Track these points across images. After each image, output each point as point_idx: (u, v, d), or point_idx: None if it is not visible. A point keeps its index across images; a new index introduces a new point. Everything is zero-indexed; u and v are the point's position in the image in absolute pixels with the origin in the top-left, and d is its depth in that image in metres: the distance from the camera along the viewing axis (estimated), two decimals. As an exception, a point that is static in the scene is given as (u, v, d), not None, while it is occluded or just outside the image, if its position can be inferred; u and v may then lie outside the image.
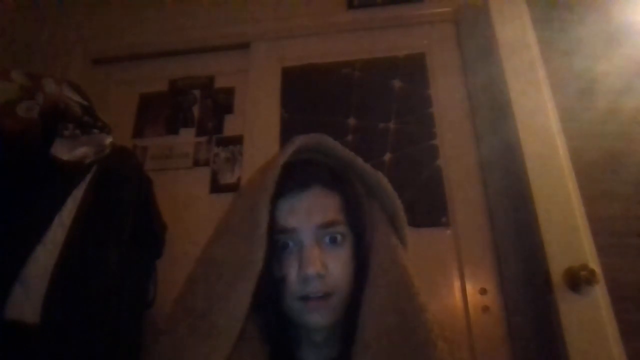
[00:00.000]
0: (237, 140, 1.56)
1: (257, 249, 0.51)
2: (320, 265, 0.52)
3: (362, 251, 0.58)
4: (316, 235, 0.54)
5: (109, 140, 1.10)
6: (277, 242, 0.54)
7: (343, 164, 0.63)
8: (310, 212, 0.55)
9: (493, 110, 1.36)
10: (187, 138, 1.61)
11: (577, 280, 0.95)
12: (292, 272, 0.53)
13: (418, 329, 0.52)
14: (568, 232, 1.03)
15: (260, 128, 1.53)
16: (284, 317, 0.55)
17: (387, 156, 1.45)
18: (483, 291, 1.24)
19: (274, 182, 0.54)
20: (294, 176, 0.57)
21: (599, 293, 0.97)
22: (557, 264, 0.99)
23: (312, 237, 0.54)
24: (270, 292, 0.53)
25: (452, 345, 0.54)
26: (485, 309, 1.22)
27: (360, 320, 0.53)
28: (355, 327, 0.53)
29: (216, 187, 1.52)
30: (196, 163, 1.56)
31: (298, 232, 0.54)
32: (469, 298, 1.24)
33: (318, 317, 0.54)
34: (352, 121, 1.52)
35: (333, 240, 0.55)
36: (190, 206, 1.48)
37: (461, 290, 1.25)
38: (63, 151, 1.00)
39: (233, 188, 1.49)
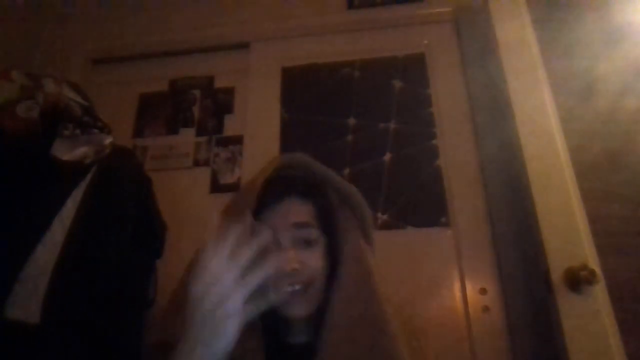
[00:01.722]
0: (237, 140, 1.56)
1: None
2: (296, 262, 0.60)
3: (333, 252, 0.65)
4: (292, 235, 0.62)
5: (109, 140, 1.10)
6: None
7: (317, 177, 0.72)
8: (286, 214, 0.63)
9: (493, 110, 1.36)
10: (187, 138, 1.61)
11: (577, 280, 0.95)
12: (274, 269, 0.58)
13: (377, 319, 0.60)
14: (568, 232, 1.03)
15: (260, 128, 1.53)
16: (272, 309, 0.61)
17: (387, 156, 1.45)
18: (483, 291, 1.24)
19: (256, 196, 0.63)
20: (274, 190, 0.65)
21: (599, 293, 0.97)
22: (557, 264, 0.99)
23: (288, 237, 0.62)
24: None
25: (411, 334, 0.63)
26: (485, 309, 1.22)
27: (330, 307, 0.61)
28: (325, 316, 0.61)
29: (216, 187, 1.52)
30: (196, 163, 1.56)
31: (276, 231, 0.61)
32: (469, 298, 1.24)
33: (297, 310, 0.62)
34: (352, 121, 1.52)
35: (307, 243, 0.63)
36: (190, 206, 1.48)
37: (461, 290, 1.25)
38: (63, 151, 1.00)
39: (233, 188, 1.49)
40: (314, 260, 0.63)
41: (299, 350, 0.64)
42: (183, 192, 1.51)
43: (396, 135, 1.47)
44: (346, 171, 1.44)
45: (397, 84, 1.55)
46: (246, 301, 0.52)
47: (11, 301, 0.86)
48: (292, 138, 1.52)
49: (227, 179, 1.53)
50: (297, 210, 0.64)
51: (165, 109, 1.67)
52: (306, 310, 0.62)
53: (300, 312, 0.62)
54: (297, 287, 0.60)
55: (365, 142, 1.48)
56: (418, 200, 1.37)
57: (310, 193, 0.67)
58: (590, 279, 0.94)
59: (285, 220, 0.63)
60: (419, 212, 1.35)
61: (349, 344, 0.58)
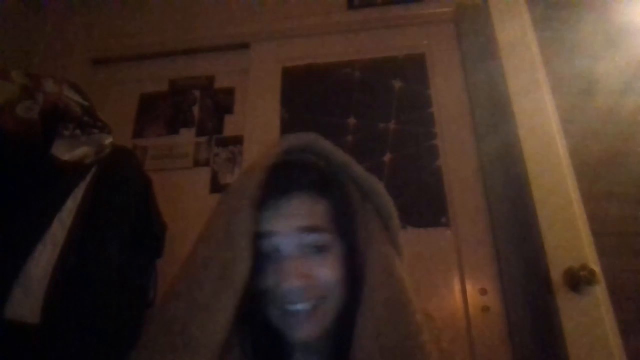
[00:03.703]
0: (237, 140, 1.56)
1: (241, 258, 0.48)
2: (300, 277, 0.49)
3: (355, 260, 0.54)
4: (298, 242, 0.51)
5: (109, 140, 1.10)
6: (259, 251, 0.51)
7: (335, 166, 0.59)
8: (292, 216, 0.51)
9: (493, 110, 1.36)
10: (187, 138, 1.61)
11: (577, 280, 0.95)
12: (272, 284, 0.51)
13: (415, 353, 0.48)
14: (568, 232, 1.03)
15: (260, 128, 1.53)
16: (270, 327, 0.53)
17: (387, 156, 1.45)
18: (483, 291, 1.24)
19: (257, 187, 0.51)
20: (279, 181, 0.53)
21: (599, 293, 0.97)
22: (557, 264, 0.99)
23: (292, 244, 0.51)
24: (254, 304, 0.51)
25: (449, 354, 0.53)
26: (485, 309, 1.22)
27: (355, 337, 0.50)
28: (346, 341, 0.50)
29: (216, 187, 1.52)
30: (196, 163, 1.56)
31: (277, 237, 0.51)
32: (469, 298, 1.24)
33: (302, 331, 0.51)
34: (352, 121, 1.52)
35: (318, 249, 0.51)
36: (190, 206, 1.48)
37: (461, 290, 1.25)
38: (63, 151, 1.00)
39: (233, 188, 1.49)
40: (326, 270, 0.51)
41: None
42: (183, 192, 1.51)
43: (396, 135, 1.47)
44: (346, 171, 1.44)
45: (397, 84, 1.54)
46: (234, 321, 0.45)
47: (11, 301, 0.86)
48: (292, 138, 1.52)
49: (227, 179, 1.53)
50: (307, 210, 0.52)
51: (165, 109, 1.67)
52: (313, 332, 0.51)
53: (305, 334, 0.51)
54: (301, 306, 0.50)
55: (365, 142, 1.48)
56: (418, 200, 1.37)
57: (325, 186, 0.55)
58: (590, 279, 0.94)
59: (290, 223, 0.51)
60: (419, 212, 1.35)
61: None
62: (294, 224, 0.51)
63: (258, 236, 0.50)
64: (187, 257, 0.52)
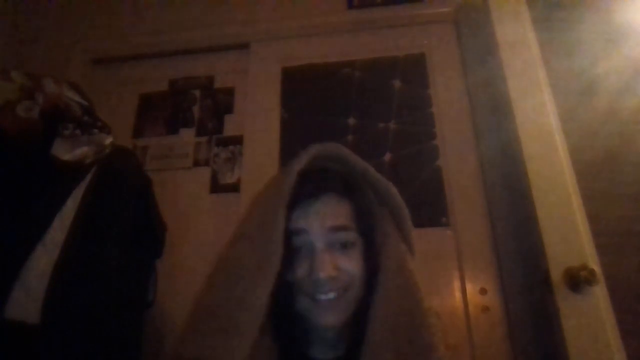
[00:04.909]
0: (237, 140, 1.56)
1: (274, 252, 0.54)
2: (332, 268, 0.55)
3: (372, 256, 0.60)
4: (327, 239, 0.57)
5: (109, 140, 1.10)
6: (290, 246, 0.57)
7: (356, 173, 0.66)
8: (322, 216, 0.58)
9: (493, 110, 1.36)
10: (187, 138, 1.61)
11: (577, 280, 0.95)
12: (304, 275, 0.56)
13: (423, 332, 0.55)
14: (568, 232, 1.03)
15: (260, 128, 1.53)
16: (295, 317, 0.58)
17: (387, 156, 1.45)
18: (483, 291, 1.24)
19: (290, 189, 0.58)
20: (309, 184, 0.60)
21: (599, 293, 0.97)
22: (557, 264, 0.99)
23: (323, 240, 0.57)
24: (284, 293, 0.56)
25: (452, 352, 0.57)
26: (485, 309, 1.22)
27: (371, 319, 0.56)
28: (363, 327, 0.56)
29: (216, 187, 1.52)
30: (196, 163, 1.57)
31: (309, 233, 0.57)
32: (469, 298, 1.24)
33: (329, 318, 0.57)
34: (352, 121, 1.52)
35: (343, 245, 0.58)
36: (190, 206, 1.48)
37: (461, 290, 1.25)
38: (63, 151, 1.00)
39: (233, 188, 1.49)
40: (351, 264, 0.58)
41: None
42: (183, 192, 1.51)
43: (396, 135, 1.47)
44: (346, 171, 1.44)
45: (397, 84, 1.54)
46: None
47: (11, 301, 0.86)
48: (292, 138, 1.52)
49: (227, 179, 1.53)
50: (335, 211, 0.59)
51: (165, 109, 1.67)
52: (338, 319, 0.57)
53: (331, 320, 0.57)
54: (331, 295, 0.56)
55: (365, 142, 1.48)
56: (418, 200, 1.37)
57: (348, 190, 0.62)
58: (590, 279, 0.94)
59: (322, 222, 0.58)
60: (419, 212, 1.35)
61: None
62: (325, 223, 0.58)
63: (291, 233, 0.57)
64: (221, 254, 0.58)
